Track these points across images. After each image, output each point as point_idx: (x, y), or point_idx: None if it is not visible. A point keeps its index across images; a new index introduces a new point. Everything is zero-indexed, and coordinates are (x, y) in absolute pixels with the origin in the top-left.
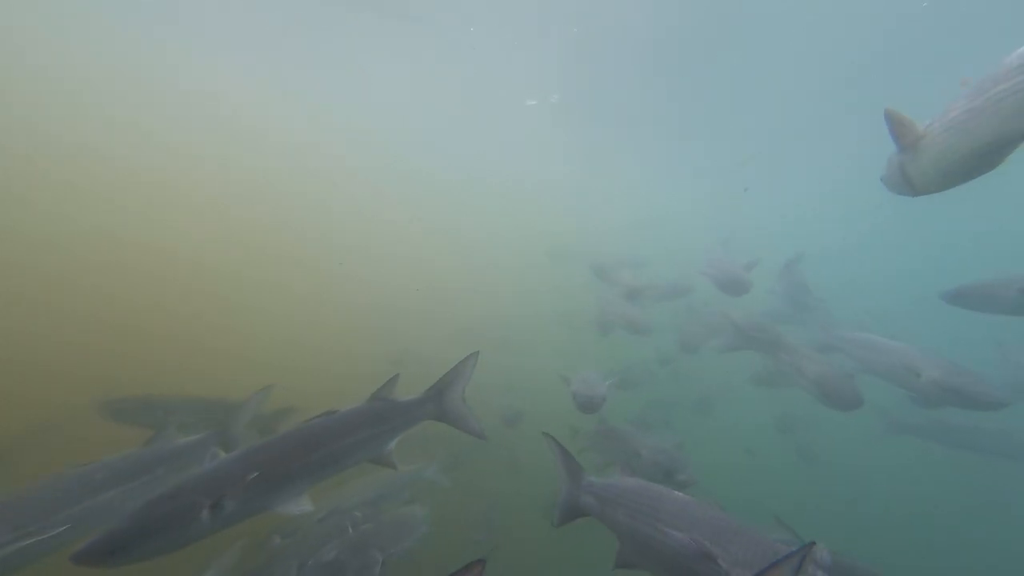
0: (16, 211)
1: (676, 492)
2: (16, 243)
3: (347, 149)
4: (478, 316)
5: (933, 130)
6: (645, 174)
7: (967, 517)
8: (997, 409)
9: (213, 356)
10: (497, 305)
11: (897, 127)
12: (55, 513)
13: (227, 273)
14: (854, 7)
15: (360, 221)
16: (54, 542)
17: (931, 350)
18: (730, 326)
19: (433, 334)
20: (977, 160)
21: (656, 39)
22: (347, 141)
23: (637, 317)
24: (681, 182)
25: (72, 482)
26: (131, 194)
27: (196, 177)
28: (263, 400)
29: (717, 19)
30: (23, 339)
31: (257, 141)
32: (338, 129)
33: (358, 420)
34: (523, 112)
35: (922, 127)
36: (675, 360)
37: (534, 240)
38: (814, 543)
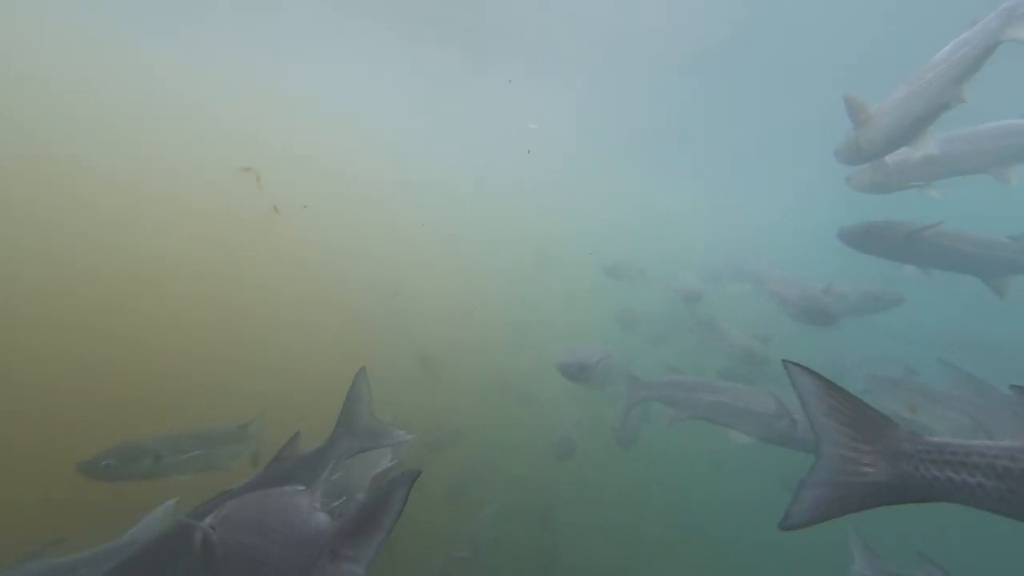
0: (19, 221)
1: None
2: (19, 253)
3: (364, 158)
4: (493, 321)
5: (882, 109)
6: (643, 175)
7: None
8: None
9: (226, 364)
10: (509, 310)
11: (854, 108)
12: None
13: (234, 279)
14: (848, 22)
15: (382, 230)
16: None
17: None
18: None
19: (454, 337)
20: (913, 128)
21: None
22: (361, 149)
23: (756, 347)
24: (681, 182)
25: None
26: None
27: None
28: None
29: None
30: (28, 354)
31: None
32: (348, 134)
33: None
34: (527, 130)
35: (872, 109)
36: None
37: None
38: None
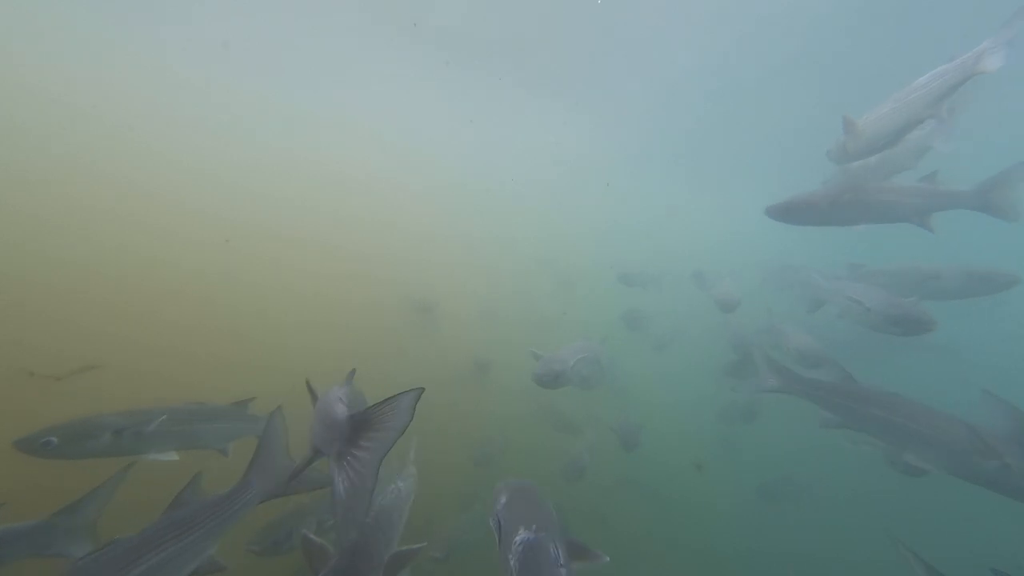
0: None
1: None
2: (26, 259)
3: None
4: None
5: (868, 120)
6: (661, 184)
7: None
8: None
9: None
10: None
11: (848, 124)
12: None
13: (239, 278)
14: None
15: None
16: None
17: None
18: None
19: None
20: (894, 136)
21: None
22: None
23: (812, 346)
24: (690, 189)
25: None
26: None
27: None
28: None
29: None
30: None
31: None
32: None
33: (146, 546)
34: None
35: (860, 121)
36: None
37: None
38: None
